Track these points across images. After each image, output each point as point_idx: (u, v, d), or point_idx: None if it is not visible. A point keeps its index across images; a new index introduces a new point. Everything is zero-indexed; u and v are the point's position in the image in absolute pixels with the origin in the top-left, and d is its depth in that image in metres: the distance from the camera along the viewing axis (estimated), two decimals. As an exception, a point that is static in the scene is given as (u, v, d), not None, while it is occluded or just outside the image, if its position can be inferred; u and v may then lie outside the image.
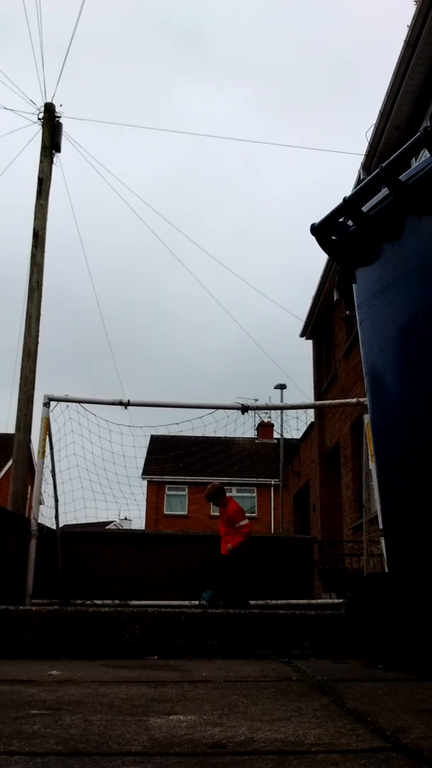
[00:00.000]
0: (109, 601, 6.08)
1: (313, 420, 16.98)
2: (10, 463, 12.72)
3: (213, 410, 7.34)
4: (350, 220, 3.12)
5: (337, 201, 3.07)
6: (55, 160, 10.53)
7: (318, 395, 16.94)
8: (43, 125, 10.60)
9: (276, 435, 30.99)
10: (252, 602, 6.42)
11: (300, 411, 9.18)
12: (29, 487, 9.87)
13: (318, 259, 13.85)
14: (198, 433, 7.68)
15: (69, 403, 6.96)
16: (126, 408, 6.94)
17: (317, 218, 3.21)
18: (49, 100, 10.76)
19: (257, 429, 31.86)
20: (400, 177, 2.84)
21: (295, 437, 19.88)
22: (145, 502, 28.74)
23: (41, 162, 10.37)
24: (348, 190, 3.13)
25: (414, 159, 2.92)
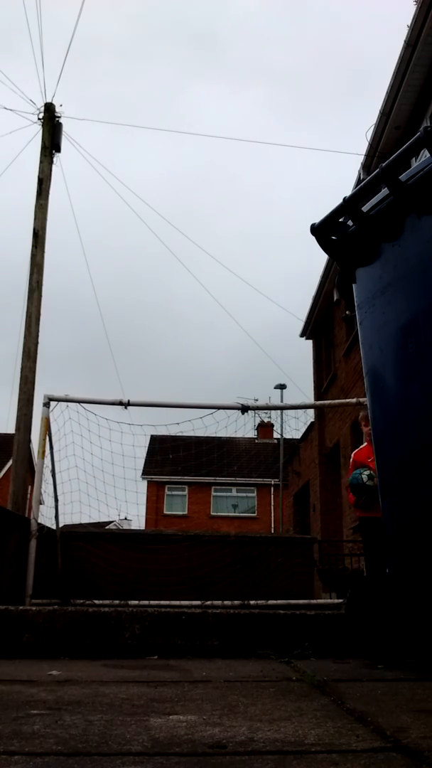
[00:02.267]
0: (108, 601, 6.08)
1: (313, 420, 16.98)
2: (10, 463, 12.72)
3: (213, 410, 7.33)
4: (350, 220, 3.12)
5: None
6: (55, 160, 10.54)
7: (318, 395, 16.94)
8: (43, 125, 10.60)
9: (276, 435, 30.98)
10: (252, 602, 6.41)
11: (300, 411, 9.17)
12: (29, 487, 9.87)
13: (319, 259, 13.85)
14: (198, 433, 7.67)
15: (69, 403, 6.96)
16: (126, 408, 6.94)
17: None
18: (49, 100, 10.77)
19: (257, 429, 31.85)
20: (400, 177, 2.84)
21: (295, 437, 19.89)
22: (145, 502, 28.72)
23: (41, 162, 10.37)
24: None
25: (414, 159, 2.92)
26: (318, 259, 19.55)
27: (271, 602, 6.46)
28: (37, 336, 9.47)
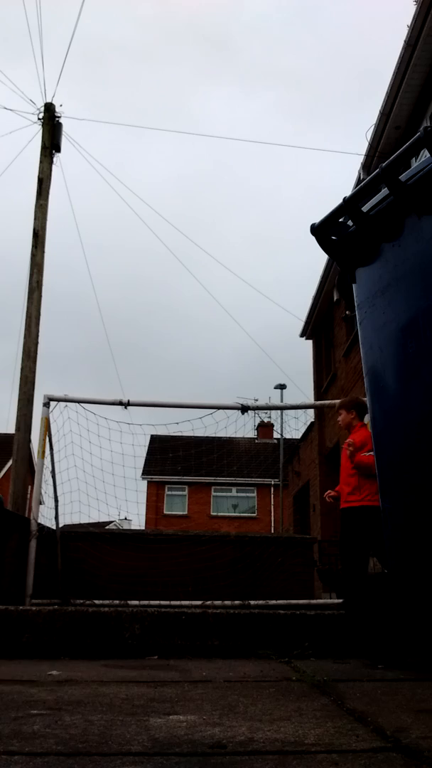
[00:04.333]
0: (108, 601, 6.08)
1: (313, 420, 16.98)
2: (10, 463, 12.71)
3: (213, 410, 7.32)
4: (350, 220, 3.12)
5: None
6: (55, 160, 10.55)
7: (318, 395, 16.93)
8: (43, 125, 10.61)
9: (276, 435, 30.96)
10: (252, 602, 6.41)
11: (300, 411, 9.17)
12: (29, 487, 9.87)
13: (323, 260, 13.81)
14: (198, 433, 7.67)
15: (69, 403, 6.96)
16: (126, 408, 6.94)
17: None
18: (49, 100, 10.78)
19: (257, 429, 31.81)
20: (400, 177, 2.84)
21: (295, 437, 19.87)
22: (145, 502, 28.71)
23: (41, 162, 10.37)
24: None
25: (414, 159, 2.92)
26: (321, 259, 19.53)
27: (271, 602, 6.46)
28: (37, 336, 9.46)
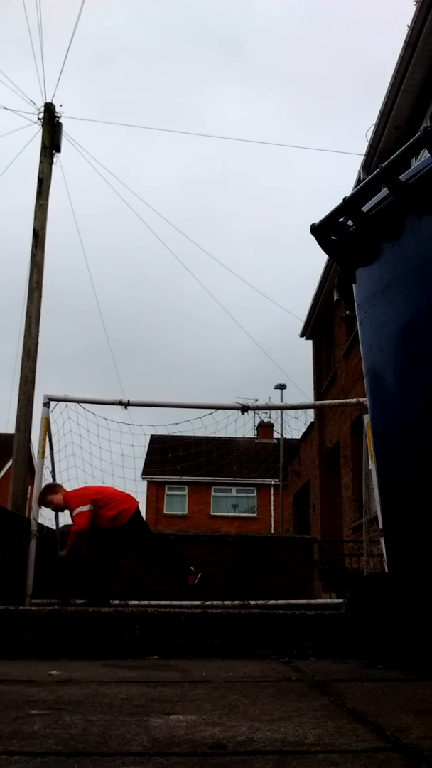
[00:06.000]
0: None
1: (313, 420, 16.98)
2: (10, 463, 12.72)
3: (213, 410, 7.32)
4: (350, 220, 3.12)
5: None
6: (55, 160, 10.56)
7: (318, 395, 16.94)
8: (43, 125, 10.61)
9: (276, 435, 30.96)
10: (252, 602, 6.41)
11: (300, 411, 9.17)
12: (29, 487, 9.87)
13: (321, 259, 13.82)
14: (198, 434, 7.66)
15: (69, 403, 6.95)
16: (126, 408, 6.93)
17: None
18: (49, 100, 10.79)
19: (257, 429, 31.82)
20: (400, 177, 2.84)
21: (295, 437, 19.88)
22: (145, 503, 28.72)
23: (41, 162, 10.38)
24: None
25: (414, 159, 2.92)
26: (322, 259, 19.50)
27: (271, 602, 6.46)
28: (37, 336, 9.47)
